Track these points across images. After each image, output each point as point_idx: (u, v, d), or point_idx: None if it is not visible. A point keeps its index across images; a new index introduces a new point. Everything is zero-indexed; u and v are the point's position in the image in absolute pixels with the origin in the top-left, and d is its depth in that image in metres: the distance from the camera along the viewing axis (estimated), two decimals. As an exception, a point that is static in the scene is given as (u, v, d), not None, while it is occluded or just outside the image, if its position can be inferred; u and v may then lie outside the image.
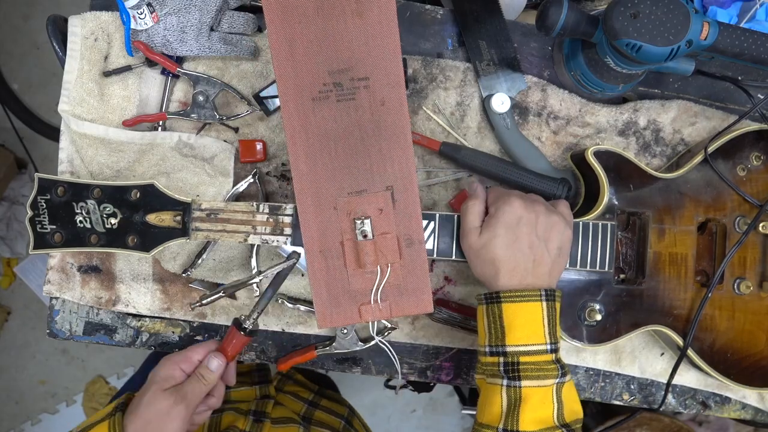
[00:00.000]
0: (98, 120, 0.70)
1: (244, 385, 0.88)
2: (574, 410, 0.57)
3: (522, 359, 0.56)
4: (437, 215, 0.64)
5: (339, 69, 0.58)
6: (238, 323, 0.63)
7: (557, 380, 0.56)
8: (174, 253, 0.72)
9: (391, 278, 0.62)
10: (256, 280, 0.64)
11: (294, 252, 0.63)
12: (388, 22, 0.58)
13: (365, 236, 0.61)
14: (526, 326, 0.56)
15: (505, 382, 0.56)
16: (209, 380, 0.60)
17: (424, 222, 0.63)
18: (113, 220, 0.62)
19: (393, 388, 0.78)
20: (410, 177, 0.61)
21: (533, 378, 0.55)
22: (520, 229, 0.58)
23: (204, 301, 0.64)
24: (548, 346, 0.57)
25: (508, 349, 0.56)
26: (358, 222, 0.60)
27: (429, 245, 0.64)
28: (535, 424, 0.54)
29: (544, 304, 0.57)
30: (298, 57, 0.58)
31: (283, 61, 0.58)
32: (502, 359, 0.56)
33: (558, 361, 0.57)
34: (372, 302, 0.62)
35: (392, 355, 0.73)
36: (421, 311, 0.63)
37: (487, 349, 0.58)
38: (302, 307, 0.73)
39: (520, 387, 0.55)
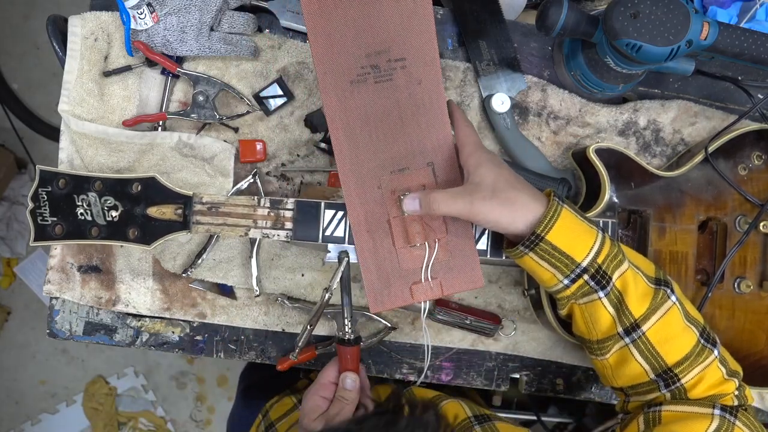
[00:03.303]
0: (98, 120, 0.70)
1: None
2: (646, 266, 0.60)
3: (599, 261, 0.55)
4: None
5: (376, 51, 0.59)
6: (340, 340, 0.66)
7: (622, 252, 0.57)
8: (174, 253, 0.72)
9: (440, 255, 0.62)
10: (328, 296, 0.66)
11: (342, 252, 0.64)
12: (423, 1, 0.58)
13: None
14: (577, 236, 0.55)
15: (601, 293, 0.56)
16: (350, 398, 0.63)
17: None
18: (114, 213, 0.62)
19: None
20: (449, 152, 0.61)
21: (616, 267, 0.56)
22: (501, 166, 0.58)
23: (300, 345, 0.68)
24: (600, 233, 0.56)
25: (584, 264, 0.55)
26: (404, 198, 0.61)
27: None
28: (639, 302, 0.56)
29: (564, 204, 0.56)
30: (336, 42, 0.58)
31: (320, 47, 0.58)
32: (586, 276, 0.56)
33: (609, 235, 0.58)
34: (423, 280, 0.62)
35: (427, 347, 0.73)
36: (472, 287, 0.63)
37: (566, 281, 0.56)
38: (303, 307, 0.73)
39: (613, 284, 0.56)
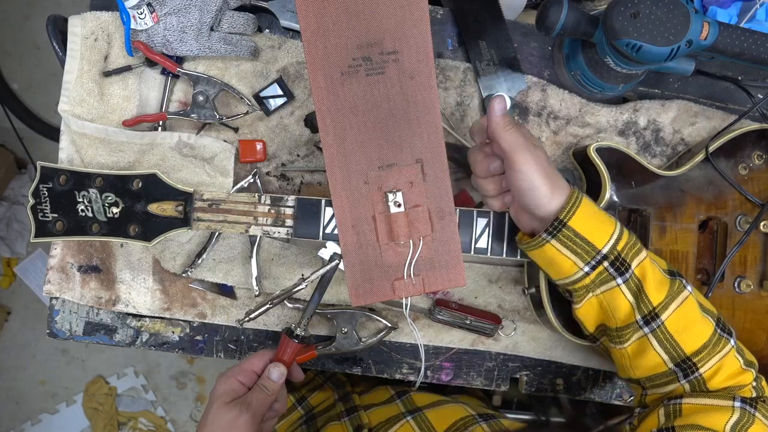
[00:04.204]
0: (98, 120, 0.70)
1: (317, 390, 0.88)
2: (658, 260, 0.60)
3: (619, 248, 0.56)
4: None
5: (368, 43, 0.58)
6: (289, 331, 0.64)
7: (640, 241, 0.58)
8: (174, 252, 0.72)
9: (424, 252, 0.62)
10: (302, 286, 0.65)
11: (335, 254, 0.63)
12: None
13: (398, 205, 0.61)
14: (597, 223, 0.57)
15: (619, 280, 0.57)
16: (272, 390, 0.61)
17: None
18: (115, 209, 0.62)
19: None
20: (439, 150, 0.61)
21: (635, 255, 0.57)
22: (536, 149, 0.57)
23: (252, 316, 0.65)
24: (618, 222, 0.58)
25: (605, 251, 0.56)
26: (390, 195, 0.61)
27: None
28: (657, 290, 0.57)
29: (581, 194, 0.57)
30: (327, 31, 0.58)
31: (312, 36, 0.57)
32: (606, 263, 0.56)
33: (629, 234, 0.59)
34: (405, 277, 0.62)
35: (421, 347, 0.73)
36: (454, 285, 0.63)
37: (586, 269, 0.57)
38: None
39: (633, 272, 0.57)
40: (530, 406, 1.37)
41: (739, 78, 0.78)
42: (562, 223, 0.56)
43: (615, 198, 0.68)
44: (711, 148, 0.70)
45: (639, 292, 0.57)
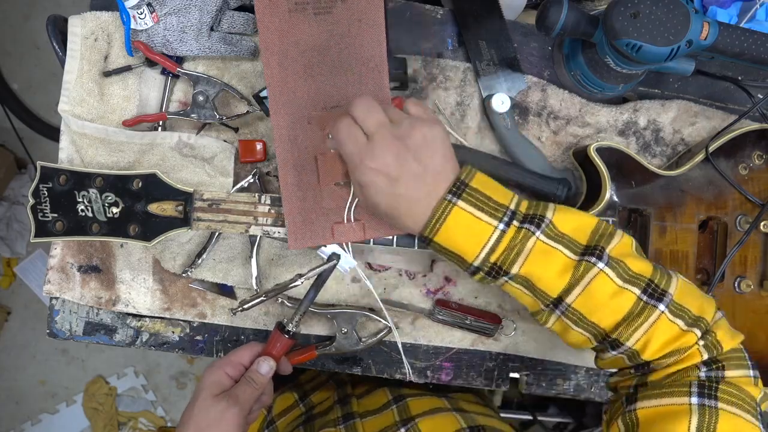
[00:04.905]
0: (98, 120, 0.70)
1: (320, 387, 0.88)
2: (580, 230, 0.55)
3: (492, 260, 0.53)
4: None
5: None
6: (281, 326, 0.64)
7: (538, 234, 0.53)
8: (174, 252, 0.72)
9: None
10: (298, 282, 0.64)
11: (334, 254, 0.63)
12: None
13: None
14: (468, 236, 0.53)
15: (504, 278, 0.55)
16: (260, 383, 0.60)
17: None
18: (115, 209, 0.62)
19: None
20: (384, 92, 0.61)
21: (515, 260, 0.53)
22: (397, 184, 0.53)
23: (245, 306, 0.64)
24: (499, 227, 0.53)
25: (476, 263, 0.54)
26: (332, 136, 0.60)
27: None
28: (554, 281, 0.53)
29: (460, 202, 0.53)
30: None
31: None
32: (481, 273, 0.55)
33: (526, 219, 0.53)
34: (345, 221, 0.61)
35: (400, 348, 0.73)
36: (395, 233, 0.62)
37: (467, 272, 0.56)
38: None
39: (516, 275, 0.54)
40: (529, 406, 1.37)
41: (739, 78, 0.78)
42: (426, 239, 0.55)
43: (615, 198, 0.68)
44: (711, 148, 0.70)
45: (531, 288, 0.55)
